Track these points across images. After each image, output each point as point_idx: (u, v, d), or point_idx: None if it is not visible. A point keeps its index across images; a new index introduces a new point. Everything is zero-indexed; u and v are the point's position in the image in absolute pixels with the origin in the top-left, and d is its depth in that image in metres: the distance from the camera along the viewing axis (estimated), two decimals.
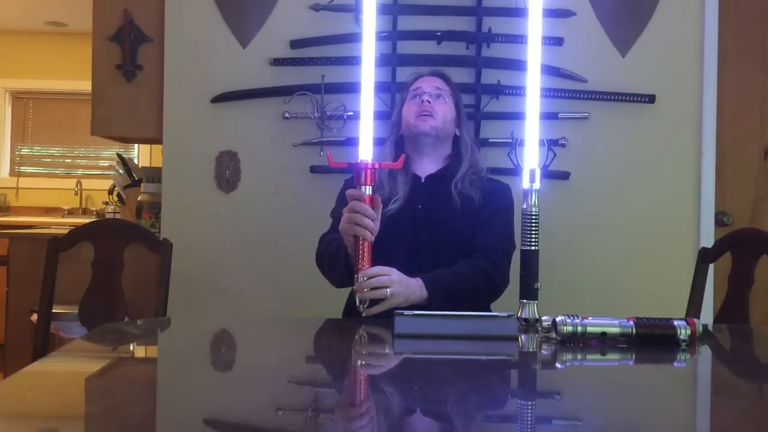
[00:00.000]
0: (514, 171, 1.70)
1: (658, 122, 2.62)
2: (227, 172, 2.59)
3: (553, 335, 1.40)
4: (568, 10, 2.58)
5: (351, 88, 2.47)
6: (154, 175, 2.90)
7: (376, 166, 1.58)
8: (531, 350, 1.49)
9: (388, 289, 1.62)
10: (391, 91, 2.52)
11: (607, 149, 2.62)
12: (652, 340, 1.39)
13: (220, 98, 2.58)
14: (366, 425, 0.96)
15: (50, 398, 1.06)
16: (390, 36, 2.57)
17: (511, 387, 1.24)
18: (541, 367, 1.39)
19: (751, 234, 2.01)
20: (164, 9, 2.60)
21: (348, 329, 1.71)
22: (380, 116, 2.42)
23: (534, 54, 1.63)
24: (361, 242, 1.57)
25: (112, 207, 3.70)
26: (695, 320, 1.40)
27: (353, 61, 2.50)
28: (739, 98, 2.75)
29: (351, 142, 2.48)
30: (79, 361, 1.31)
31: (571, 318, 1.38)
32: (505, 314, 1.46)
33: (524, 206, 1.60)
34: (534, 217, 1.60)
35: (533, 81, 1.63)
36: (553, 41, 2.57)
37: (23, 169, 5.47)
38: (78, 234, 2.16)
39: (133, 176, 3.21)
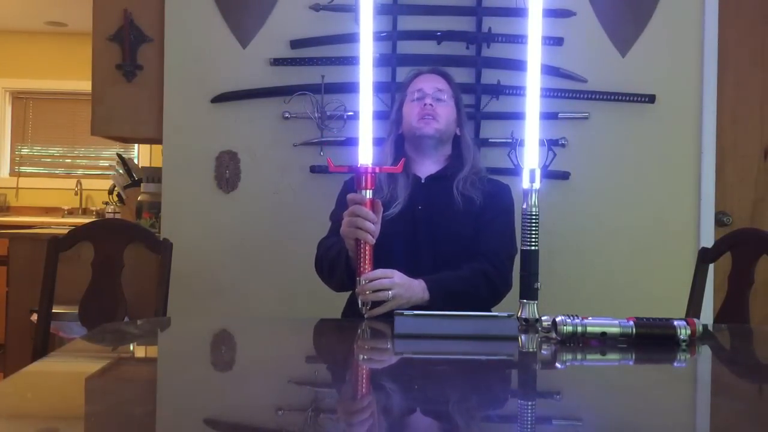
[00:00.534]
0: (514, 171, 1.70)
1: (658, 122, 2.62)
2: (227, 172, 2.59)
3: (553, 335, 1.40)
4: (568, 10, 2.58)
5: (351, 88, 2.46)
6: (154, 175, 2.90)
7: (377, 170, 1.59)
8: (531, 350, 1.49)
9: (390, 292, 1.62)
10: (391, 90, 2.52)
11: (607, 149, 2.62)
12: (652, 340, 1.39)
13: (220, 98, 2.58)
14: (366, 425, 0.96)
15: (50, 398, 1.06)
16: (390, 36, 2.57)
17: (511, 387, 1.24)
18: (541, 367, 1.39)
19: (751, 234, 2.01)
20: (164, 9, 2.60)
21: (348, 329, 1.71)
22: (380, 116, 2.43)
23: (534, 54, 1.63)
24: (362, 245, 1.58)
25: (112, 207, 3.70)
26: (695, 320, 1.40)
27: (353, 61, 2.50)
28: (739, 98, 2.75)
29: (351, 142, 2.48)
30: (79, 361, 1.31)
31: (571, 318, 1.38)
32: (505, 314, 1.46)
33: (524, 206, 1.60)
34: (534, 217, 1.60)
35: (533, 81, 1.63)
36: (553, 41, 2.57)
37: (23, 169, 5.47)
38: (78, 234, 2.16)
39: (133, 176, 3.21)
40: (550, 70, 2.54)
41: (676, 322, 1.39)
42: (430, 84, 1.98)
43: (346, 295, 1.92)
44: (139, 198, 2.93)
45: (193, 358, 1.36)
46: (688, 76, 2.64)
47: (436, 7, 2.58)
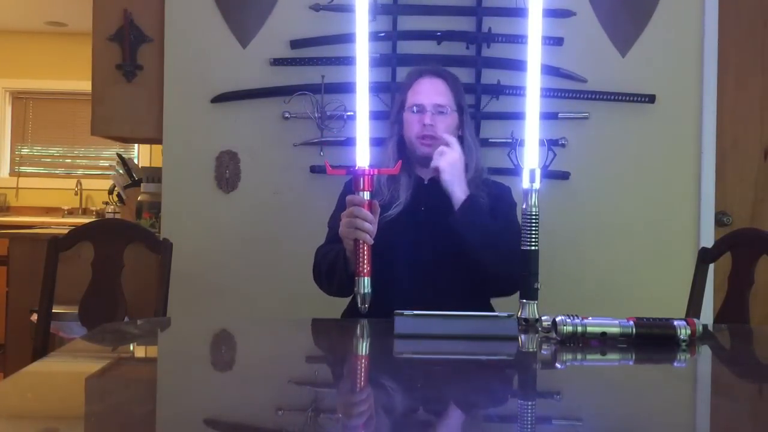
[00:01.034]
0: (514, 171, 1.69)
1: (658, 122, 2.62)
2: (227, 172, 2.59)
3: (553, 335, 1.40)
4: (568, 10, 2.58)
5: (351, 88, 2.42)
6: (154, 175, 2.90)
7: (374, 172, 1.60)
8: (531, 350, 1.49)
9: (446, 149, 1.81)
10: (391, 90, 2.52)
11: (607, 149, 2.62)
12: (652, 340, 1.39)
13: (220, 98, 2.58)
14: (366, 425, 0.96)
15: (50, 398, 1.06)
16: (390, 36, 2.57)
17: (511, 387, 1.24)
18: (541, 367, 1.39)
19: (751, 234, 2.01)
20: (164, 9, 2.60)
21: (348, 329, 1.71)
22: (381, 116, 2.43)
23: (534, 54, 1.63)
24: (361, 245, 1.59)
25: (112, 207, 3.70)
26: (695, 320, 1.40)
27: (353, 61, 2.44)
28: (739, 98, 2.75)
29: (351, 142, 2.47)
30: (79, 361, 1.31)
31: (571, 318, 1.38)
32: (505, 314, 1.46)
33: (524, 206, 1.60)
34: (534, 217, 1.59)
35: (533, 81, 1.63)
36: (553, 41, 2.57)
37: (23, 169, 5.48)
38: (78, 234, 2.16)
39: (133, 176, 3.21)
40: (550, 70, 2.54)
41: (676, 322, 1.39)
42: (430, 97, 1.92)
43: None
44: (139, 198, 2.94)
45: (193, 358, 1.36)
46: (688, 76, 2.64)
47: (436, 7, 2.58)
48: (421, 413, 1.02)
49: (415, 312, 1.47)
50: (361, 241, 1.58)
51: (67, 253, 2.13)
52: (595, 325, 1.39)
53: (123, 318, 2.05)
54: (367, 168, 1.57)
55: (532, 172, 1.60)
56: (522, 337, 1.50)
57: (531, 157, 1.61)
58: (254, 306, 2.56)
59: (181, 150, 2.60)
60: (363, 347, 1.53)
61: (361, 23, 1.60)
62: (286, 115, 2.55)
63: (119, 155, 3.45)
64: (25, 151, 5.49)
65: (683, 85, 2.63)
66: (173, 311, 2.22)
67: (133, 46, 2.63)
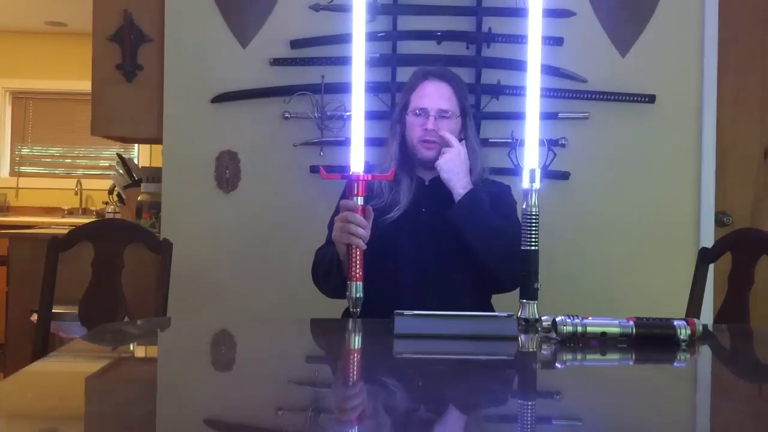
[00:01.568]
0: (514, 171, 1.69)
1: (658, 122, 2.62)
2: (227, 172, 2.59)
3: (553, 335, 1.40)
4: (568, 10, 2.58)
5: (351, 88, 2.45)
6: (154, 175, 2.90)
7: (368, 177, 1.60)
8: (531, 350, 1.49)
9: (447, 148, 1.82)
10: (391, 91, 2.52)
11: (607, 149, 2.62)
12: (652, 340, 1.39)
13: (220, 98, 2.58)
14: (366, 425, 0.96)
15: (50, 398, 1.06)
16: (390, 36, 2.57)
17: (511, 387, 1.24)
18: (541, 367, 1.39)
19: (751, 234, 2.01)
20: (164, 9, 2.60)
21: (348, 329, 1.70)
22: (381, 116, 2.43)
23: (534, 54, 1.63)
24: (353, 250, 1.59)
25: (112, 207, 3.70)
26: (695, 320, 1.40)
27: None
28: (739, 98, 2.75)
29: (350, 142, 2.47)
30: (79, 361, 1.31)
31: (571, 318, 1.38)
32: (505, 314, 1.46)
33: (524, 206, 1.60)
34: (534, 217, 1.60)
35: (533, 81, 1.63)
36: (553, 41, 2.57)
37: (23, 169, 5.48)
38: (78, 234, 2.16)
39: (133, 176, 3.21)
40: (550, 70, 2.54)
41: (676, 322, 1.39)
42: (434, 101, 1.91)
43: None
44: (139, 198, 2.93)
45: (193, 358, 1.36)
46: (688, 76, 2.64)
47: (436, 7, 2.58)
48: (421, 413, 1.02)
49: (415, 312, 1.47)
50: (353, 246, 1.59)
51: (67, 253, 2.13)
52: (595, 325, 1.39)
53: (123, 318, 2.05)
54: (361, 173, 1.58)
55: (532, 172, 1.60)
56: (522, 337, 1.50)
57: (531, 157, 1.61)
58: (254, 306, 2.56)
59: (181, 150, 2.60)
60: (363, 347, 1.53)
61: (358, 27, 1.60)
62: (286, 115, 2.55)
63: (119, 155, 3.45)
64: (25, 151, 5.49)
65: (683, 85, 2.63)
66: (173, 311, 2.22)
67: (133, 46, 2.63)
